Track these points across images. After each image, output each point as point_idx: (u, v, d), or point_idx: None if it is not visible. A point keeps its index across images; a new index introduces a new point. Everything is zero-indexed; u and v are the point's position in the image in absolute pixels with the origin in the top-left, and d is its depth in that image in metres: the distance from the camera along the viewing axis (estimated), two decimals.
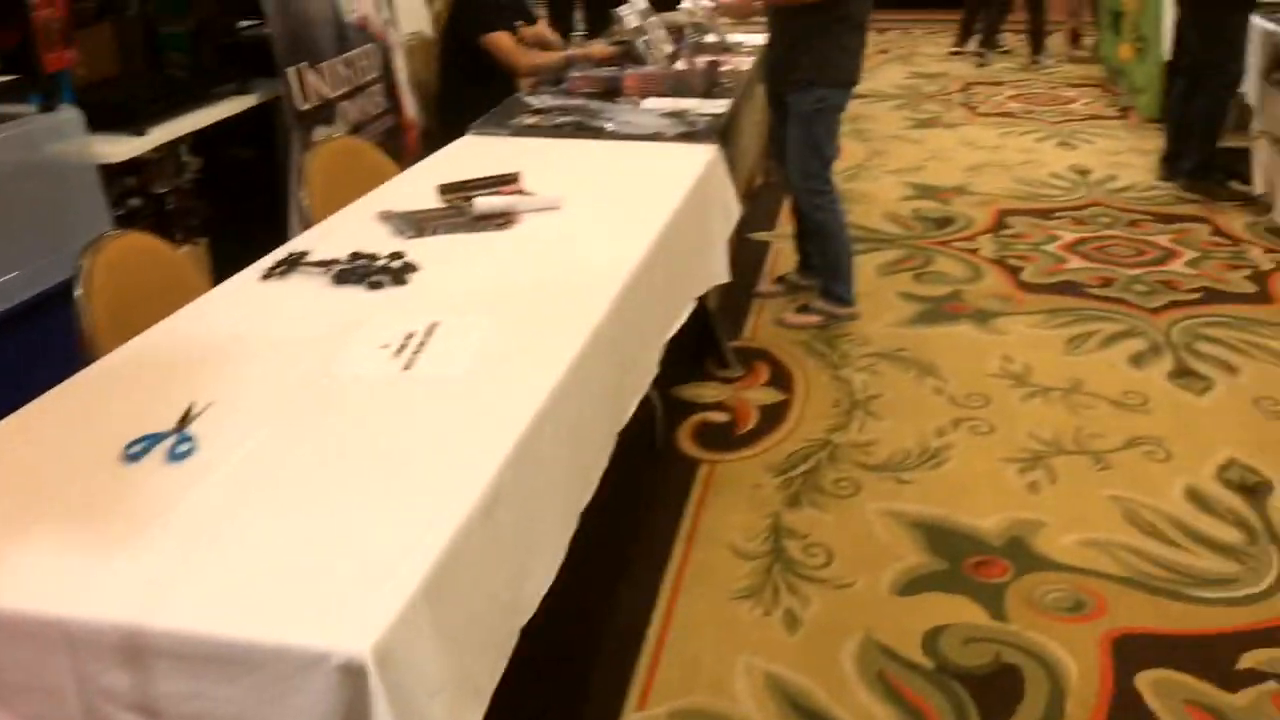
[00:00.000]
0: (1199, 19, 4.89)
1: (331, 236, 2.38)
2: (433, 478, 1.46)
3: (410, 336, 1.88)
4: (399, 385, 1.72)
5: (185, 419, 1.61)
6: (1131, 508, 2.69)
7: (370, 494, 1.43)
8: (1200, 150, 4.94)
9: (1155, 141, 5.75)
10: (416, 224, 2.42)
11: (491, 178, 2.67)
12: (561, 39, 4.61)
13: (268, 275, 2.15)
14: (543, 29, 4.53)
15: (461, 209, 2.51)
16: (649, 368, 2.44)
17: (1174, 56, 5.62)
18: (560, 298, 2.08)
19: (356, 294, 2.08)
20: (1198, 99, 4.87)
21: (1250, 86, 4.87)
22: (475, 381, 1.73)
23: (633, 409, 2.27)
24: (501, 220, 2.45)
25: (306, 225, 2.57)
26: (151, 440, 1.55)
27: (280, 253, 2.25)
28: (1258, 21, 4.79)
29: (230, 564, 1.30)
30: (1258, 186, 4.78)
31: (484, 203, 2.48)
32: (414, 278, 2.14)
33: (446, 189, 2.62)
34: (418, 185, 2.73)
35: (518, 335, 1.91)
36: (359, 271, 2.13)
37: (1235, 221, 4.66)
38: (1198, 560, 2.49)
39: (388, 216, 2.47)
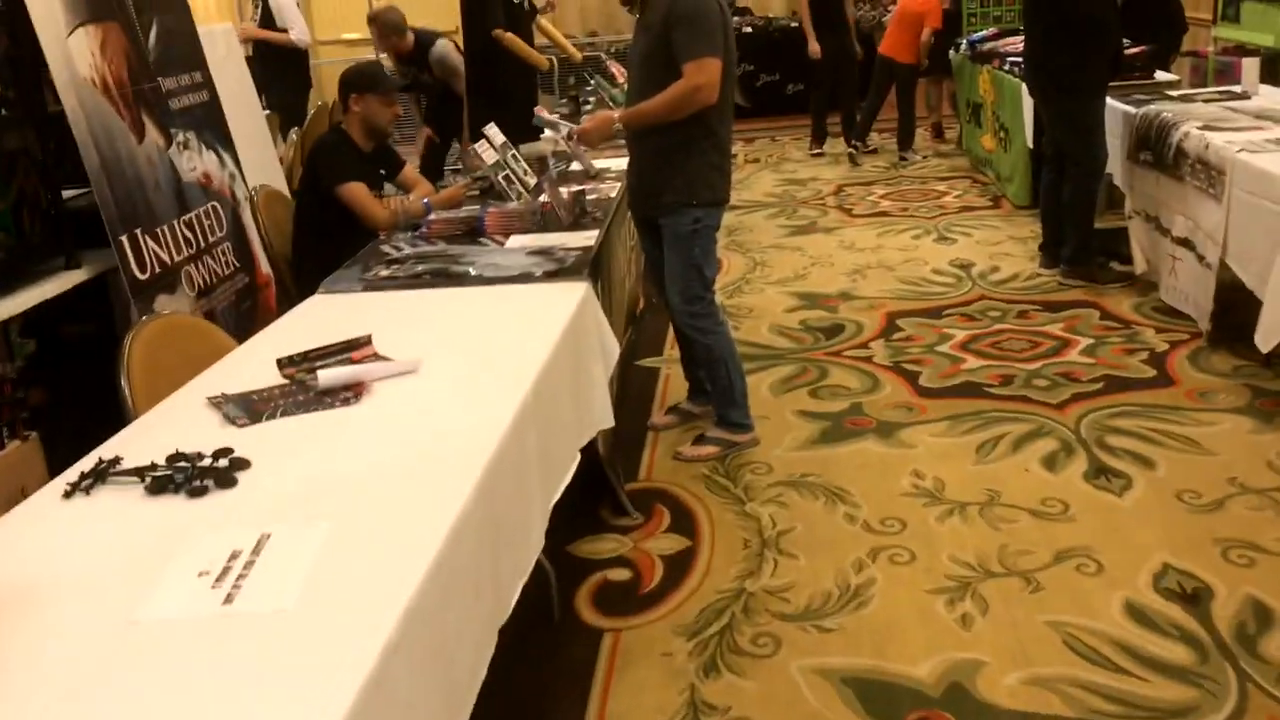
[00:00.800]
0: (1057, 110, 4.92)
1: (151, 434, 2.07)
2: None
3: (235, 557, 1.58)
4: (217, 627, 1.42)
5: None
6: (1071, 633, 2.48)
7: None
8: (1076, 236, 4.92)
9: (1030, 228, 5.77)
10: (251, 408, 2.13)
11: (338, 344, 2.40)
12: (431, 184, 4.41)
13: (70, 492, 1.83)
14: (410, 173, 4.32)
15: (304, 384, 2.23)
16: (533, 542, 2.17)
17: (1037, 145, 5.68)
18: (416, 482, 1.81)
19: (175, 505, 1.78)
20: (1066, 187, 4.88)
21: (1117, 168, 4.89)
22: (309, 612, 1.44)
23: (516, 595, 1.99)
24: (349, 394, 2.18)
25: (127, 421, 2.26)
26: None
27: (87, 462, 1.94)
28: (1116, 104, 4.85)
29: None
30: (1138, 266, 4.76)
31: (328, 375, 2.21)
32: (244, 477, 1.85)
33: (286, 363, 2.34)
34: (257, 359, 2.44)
35: (364, 539, 1.62)
36: (178, 477, 1.83)
37: (1122, 303, 4.62)
38: (1151, 689, 2.28)
39: (219, 402, 2.18)
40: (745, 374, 3.68)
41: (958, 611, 2.60)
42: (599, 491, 3.20)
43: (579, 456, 2.63)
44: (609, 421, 2.89)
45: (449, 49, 5.81)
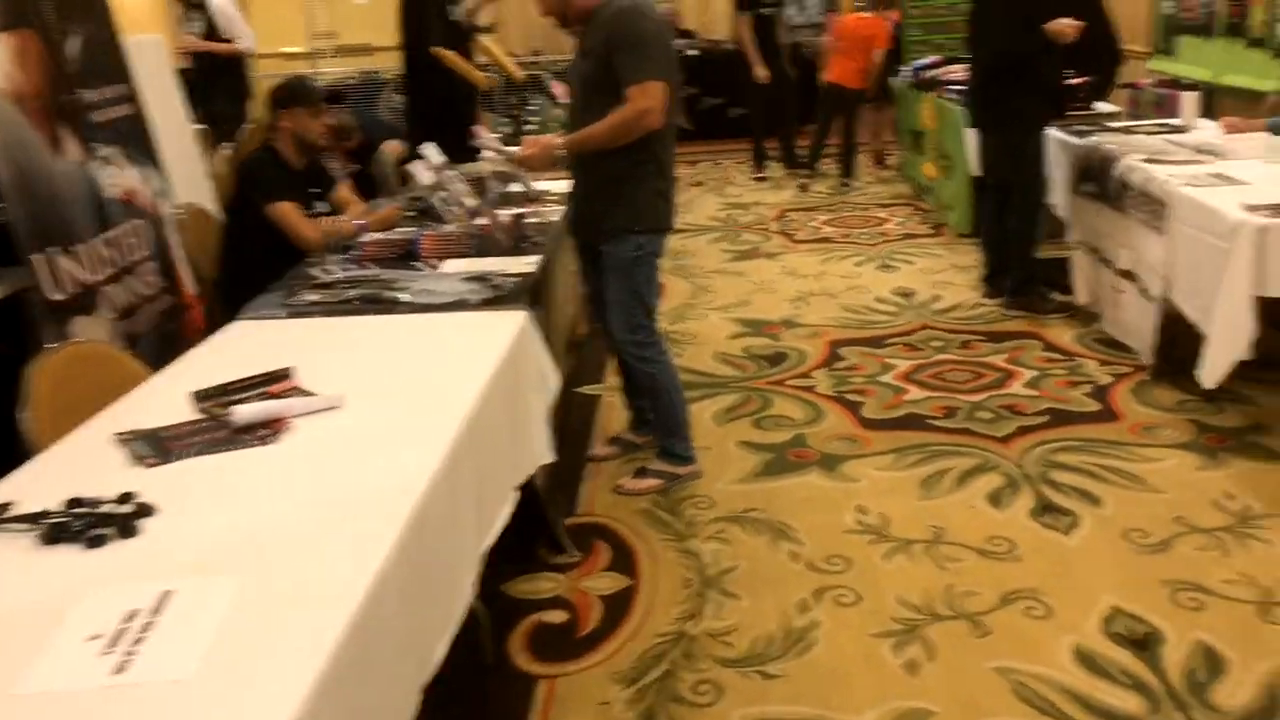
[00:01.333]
0: (998, 142, 4.91)
1: (51, 474, 1.93)
2: None
3: (132, 617, 1.45)
4: (105, 701, 1.29)
5: None
6: (1021, 680, 2.41)
7: None
8: (1019, 267, 4.91)
9: (972, 257, 5.77)
10: (161, 447, 1.99)
11: (258, 377, 2.27)
12: (364, 202, 4.26)
13: None
14: (344, 192, 4.18)
15: (219, 420, 2.10)
16: (463, 592, 2.05)
17: (980, 173, 5.67)
18: (335, 532, 1.69)
19: (71, 557, 1.63)
20: (1010, 218, 4.87)
21: (1059, 199, 4.89)
22: (210, 682, 1.31)
23: (444, 651, 1.87)
24: (267, 431, 2.05)
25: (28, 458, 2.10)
26: None
27: None
28: (1058, 135, 4.85)
29: None
30: (1080, 297, 4.76)
31: (245, 411, 2.08)
32: (148, 525, 1.71)
33: (202, 396, 2.20)
34: (171, 392, 2.29)
35: (275, 598, 1.50)
36: (76, 525, 1.68)
37: (1064, 334, 4.61)
38: None
39: (127, 439, 2.04)
40: (688, 403, 3.59)
41: (904, 656, 2.52)
42: (536, 527, 3.08)
43: (516, 495, 2.52)
44: (548, 457, 2.79)
45: (389, 158, 5.56)
